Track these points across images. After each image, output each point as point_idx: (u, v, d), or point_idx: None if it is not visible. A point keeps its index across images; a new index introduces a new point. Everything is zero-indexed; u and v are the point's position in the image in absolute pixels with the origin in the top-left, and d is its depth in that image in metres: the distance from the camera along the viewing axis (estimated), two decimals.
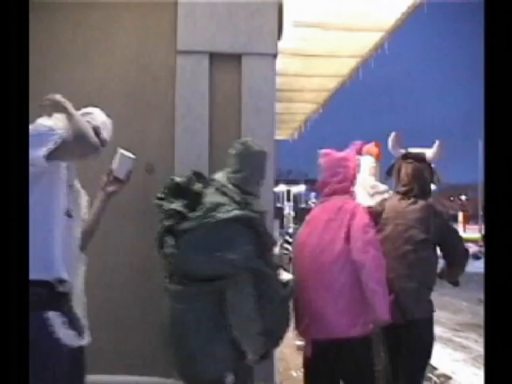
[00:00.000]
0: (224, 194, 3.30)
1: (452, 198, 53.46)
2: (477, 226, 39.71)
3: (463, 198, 62.89)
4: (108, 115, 3.15)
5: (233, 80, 4.43)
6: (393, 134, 4.31)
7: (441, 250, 4.08)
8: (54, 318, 2.55)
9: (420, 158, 4.19)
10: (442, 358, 6.58)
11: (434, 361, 5.86)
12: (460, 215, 43.77)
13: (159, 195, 3.38)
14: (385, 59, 7.44)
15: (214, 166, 4.32)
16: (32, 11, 2.56)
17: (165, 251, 3.23)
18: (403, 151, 4.26)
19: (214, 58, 4.42)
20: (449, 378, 5.81)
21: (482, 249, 30.26)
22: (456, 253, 4.11)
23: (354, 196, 3.94)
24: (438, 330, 7.53)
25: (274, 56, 4.48)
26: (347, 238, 3.55)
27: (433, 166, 4.26)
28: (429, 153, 4.23)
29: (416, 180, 4.12)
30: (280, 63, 5.49)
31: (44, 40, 4.37)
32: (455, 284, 4.29)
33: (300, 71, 7.98)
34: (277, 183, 36.47)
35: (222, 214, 3.16)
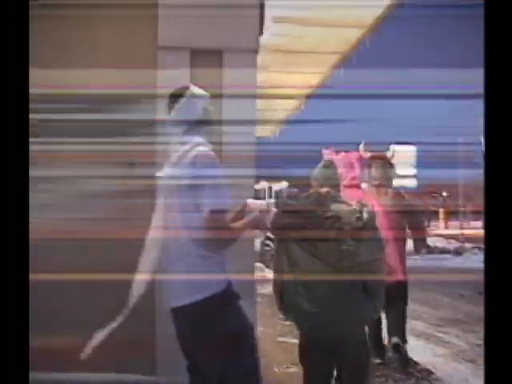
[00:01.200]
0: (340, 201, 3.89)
1: (433, 195, 53.75)
2: (458, 222, 39.97)
3: (444, 194, 63.25)
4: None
5: (214, 76, 4.41)
6: (363, 143, 5.84)
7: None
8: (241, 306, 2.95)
9: (383, 159, 5.84)
10: (423, 353, 6.61)
11: (415, 356, 5.91)
12: (441, 212, 44.02)
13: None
14: (366, 56, 7.46)
15: None
16: None
17: (347, 248, 3.58)
18: (370, 154, 5.81)
19: (195, 53, 4.40)
20: (430, 372, 5.82)
21: (465, 245, 30.57)
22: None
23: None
24: (419, 326, 7.61)
25: (255, 52, 4.47)
26: None
27: (392, 163, 5.90)
28: (388, 154, 5.96)
29: (383, 174, 5.67)
30: (261, 59, 5.48)
31: None
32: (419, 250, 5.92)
33: (281, 67, 7.97)
34: (258, 180, 36.39)
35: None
